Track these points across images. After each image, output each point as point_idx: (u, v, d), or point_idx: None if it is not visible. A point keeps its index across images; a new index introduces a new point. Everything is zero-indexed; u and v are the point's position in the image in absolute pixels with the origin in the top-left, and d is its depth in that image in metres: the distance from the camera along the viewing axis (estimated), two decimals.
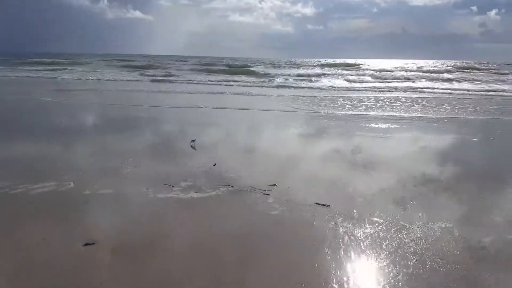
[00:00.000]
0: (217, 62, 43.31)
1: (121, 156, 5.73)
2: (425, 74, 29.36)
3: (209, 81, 22.04)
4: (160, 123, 9.14)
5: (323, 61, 59.68)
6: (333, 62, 47.87)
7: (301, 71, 31.89)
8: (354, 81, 23.65)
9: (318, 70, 33.64)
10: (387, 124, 9.18)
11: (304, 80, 23.70)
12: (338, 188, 4.62)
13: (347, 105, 12.77)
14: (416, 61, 65.87)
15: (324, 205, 4.03)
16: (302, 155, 6.31)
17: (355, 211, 3.91)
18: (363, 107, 12.35)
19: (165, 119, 9.86)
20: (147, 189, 4.41)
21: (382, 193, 4.44)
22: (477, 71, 32.51)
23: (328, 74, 27.84)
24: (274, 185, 4.59)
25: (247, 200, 4.20)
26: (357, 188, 4.58)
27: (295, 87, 19.76)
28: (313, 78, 24.48)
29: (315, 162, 5.83)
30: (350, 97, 15.67)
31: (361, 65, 41.14)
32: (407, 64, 45.82)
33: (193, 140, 6.52)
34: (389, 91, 17.94)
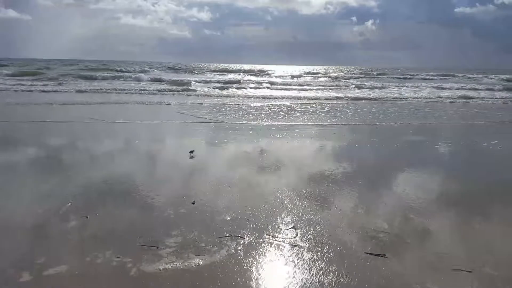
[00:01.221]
0: (104, 67, 38.85)
1: (51, 200, 3.97)
2: (328, 82, 31.34)
3: (100, 89, 18.66)
4: (60, 145, 7.21)
5: (222, 66, 59.78)
6: (234, 68, 48.14)
7: (204, 77, 30.78)
8: (258, 87, 23.20)
9: (219, 77, 32.98)
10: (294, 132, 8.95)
11: (207, 86, 22.54)
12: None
13: (254, 113, 12.28)
14: (309, 67, 71.12)
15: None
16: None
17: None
18: (264, 115, 11.90)
19: (63, 135, 8.02)
20: (119, 257, 2.91)
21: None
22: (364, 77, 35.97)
23: (232, 81, 27.12)
24: (293, 228, 3.52)
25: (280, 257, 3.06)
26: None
27: (197, 95, 18.08)
28: (216, 85, 23.54)
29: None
30: (254, 105, 15.18)
31: (264, 71, 42.20)
32: (309, 70, 48.87)
33: (192, 151, 6.19)
34: (286, 98, 17.56)
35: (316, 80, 31.84)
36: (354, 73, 41.47)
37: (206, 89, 20.59)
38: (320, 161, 6.29)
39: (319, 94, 19.51)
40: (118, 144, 7.47)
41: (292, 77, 35.09)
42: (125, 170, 5.46)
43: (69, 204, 4.00)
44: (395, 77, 35.82)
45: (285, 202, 4.18)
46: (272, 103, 15.27)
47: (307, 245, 3.21)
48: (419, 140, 8.44)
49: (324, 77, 36.52)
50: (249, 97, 17.80)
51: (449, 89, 23.75)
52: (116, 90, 18.51)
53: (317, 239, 3.31)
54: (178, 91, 19.17)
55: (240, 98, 17.23)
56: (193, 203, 4.05)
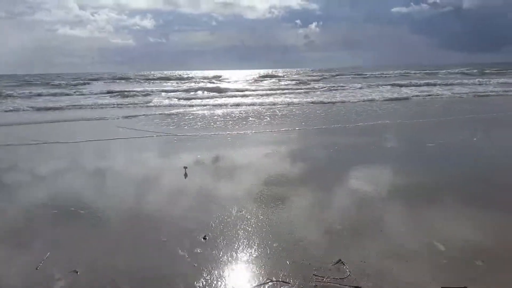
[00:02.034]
0: (42, 81, 35.77)
1: (22, 252, 3.27)
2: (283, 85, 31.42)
3: (39, 106, 16.47)
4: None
5: (174, 73, 57.98)
6: (186, 75, 46.84)
7: (157, 86, 29.44)
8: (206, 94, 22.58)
9: (175, 84, 31.89)
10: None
11: (164, 96, 21.53)
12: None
13: (200, 123, 11.76)
14: (261, 70, 71.79)
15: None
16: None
17: None
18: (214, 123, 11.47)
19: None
20: None
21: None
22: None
23: (193, 88, 26.16)
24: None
25: None
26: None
27: (153, 106, 16.75)
28: (174, 94, 22.61)
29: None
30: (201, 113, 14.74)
31: (220, 77, 41.51)
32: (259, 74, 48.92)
33: (185, 167, 5.88)
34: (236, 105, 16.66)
35: (280, 84, 31.21)
36: (316, 75, 41.64)
37: (166, 100, 19.08)
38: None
39: (293, 99, 18.97)
40: (85, 167, 6.59)
41: (255, 80, 35.03)
42: (100, 200, 4.69)
43: (48, 254, 3.23)
44: (356, 76, 36.91)
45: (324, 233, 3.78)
46: (243, 109, 14.89)
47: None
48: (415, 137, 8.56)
49: (285, 80, 36.26)
50: (214, 105, 16.97)
51: (434, 84, 25.05)
52: (53, 105, 16.68)
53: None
54: (129, 103, 17.71)
55: (206, 106, 16.47)
56: (204, 238, 3.47)
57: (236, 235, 3.62)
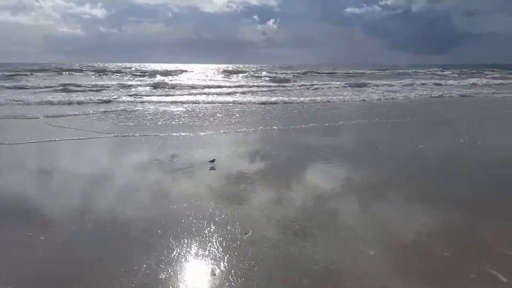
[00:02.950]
0: None
1: None
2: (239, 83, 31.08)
3: None
4: None
5: (128, 65, 55.49)
6: (142, 68, 45.00)
7: (107, 80, 28.00)
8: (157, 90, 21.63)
9: (132, 79, 30.55)
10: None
11: (103, 89, 20.54)
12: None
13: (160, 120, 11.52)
14: (220, 65, 70.92)
15: None
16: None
17: None
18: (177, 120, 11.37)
19: None
20: None
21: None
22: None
23: (158, 84, 24.91)
24: None
25: None
26: None
27: (88, 102, 15.44)
28: (134, 89, 21.65)
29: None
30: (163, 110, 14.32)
31: (178, 71, 40.20)
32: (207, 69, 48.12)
33: (212, 161, 6.22)
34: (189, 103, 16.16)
35: (252, 82, 30.57)
36: (290, 72, 41.24)
37: (125, 97, 17.39)
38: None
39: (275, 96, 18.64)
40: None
41: (225, 75, 34.35)
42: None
43: None
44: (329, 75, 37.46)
45: None
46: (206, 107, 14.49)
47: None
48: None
49: (253, 77, 35.64)
50: (173, 102, 16.26)
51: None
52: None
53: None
54: (72, 100, 16.22)
55: (165, 103, 15.82)
56: (213, 275, 3.20)
57: (195, 235, 3.79)
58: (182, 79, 31.83)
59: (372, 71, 43.91)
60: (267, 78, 32.38)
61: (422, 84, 27.47)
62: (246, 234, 3.84)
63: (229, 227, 4.00)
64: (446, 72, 41.57)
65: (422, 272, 3.19)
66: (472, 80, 30.55)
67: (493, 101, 18.08)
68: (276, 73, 39.75)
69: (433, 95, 19.73)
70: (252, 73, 39.56)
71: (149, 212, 4.39)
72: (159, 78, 30.95)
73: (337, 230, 3.96)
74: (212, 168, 6.04)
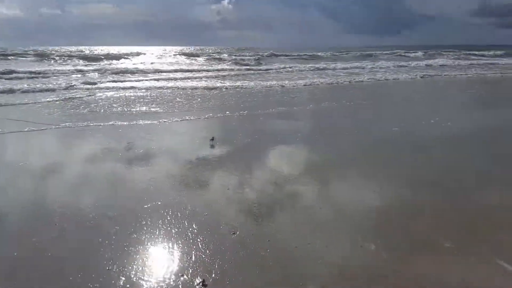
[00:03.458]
0: None
1: None
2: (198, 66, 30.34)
3: None
4: None
5: (73, 49, 52.41)
6: (93, 52, 42.71)
7: (55, 66, 26.44)
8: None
9: (83, 64, 28.99)
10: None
11: (48, 75, 19.48)
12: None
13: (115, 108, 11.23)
14: (175, 47, 68.92)
15: None
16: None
17: None
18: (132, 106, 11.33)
19: None
20: None
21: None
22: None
23: (121, 70, 23.55)
24: None
25: None
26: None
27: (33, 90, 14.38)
28: (90, 75, 20.58)
29: None
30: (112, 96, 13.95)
31: (135, 53, 38.42)
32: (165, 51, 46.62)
33: (212, 139, 6.80)
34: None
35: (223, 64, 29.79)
36: (253, 55, 40.47)
37: (75, 83, 16.50)
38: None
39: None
40: None
41: (185, 58, 33.11)
42: None
43: None
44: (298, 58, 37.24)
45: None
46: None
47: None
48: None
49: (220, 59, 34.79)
50: (126, 88, 15.69)
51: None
52: None
53: None
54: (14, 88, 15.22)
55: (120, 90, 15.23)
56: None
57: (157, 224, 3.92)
58: (136, 62, 30.73)
59: (335, 53, 44.58)
60: (229, 62, 31.94)
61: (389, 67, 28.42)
62: (206, 214, 4.09)
63: (189, 214, 4.14)
64: (413, 54, 42.55)
65: (376, 249, 3.49)
66: (440, 62, 32.12)
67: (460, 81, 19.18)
68: (239, 55, 39.25)
69: (398, 78, 20.53)
70: (215, 55, 38.76)
71: (105, 205, 4.42)
72: (109, 62, 29.70)
73: (293, 212, 4.24)
74: (212, 146, 6.64)
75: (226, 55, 39.19)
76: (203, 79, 19.46)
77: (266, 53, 40.76)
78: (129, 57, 36.06)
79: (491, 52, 43.29)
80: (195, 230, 3.81)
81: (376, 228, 3.88)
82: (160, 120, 9.07)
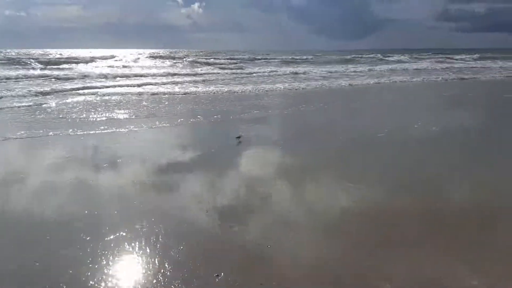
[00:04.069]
0: None
1: None
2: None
3: None
4: None
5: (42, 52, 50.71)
6: (65, 55, 41.36)
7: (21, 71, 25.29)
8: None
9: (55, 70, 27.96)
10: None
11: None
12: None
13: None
14: (143, 50, 68.04)
15: None
16: None
17: None
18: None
19: None
20: None
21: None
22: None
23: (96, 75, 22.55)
24: None
25: None
26: None
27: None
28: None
29: None
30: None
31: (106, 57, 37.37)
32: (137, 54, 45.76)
33: (239, 137, 7.23)
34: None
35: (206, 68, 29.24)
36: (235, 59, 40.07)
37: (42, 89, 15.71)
38: None
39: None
40: None
41: (160, 62, 32.32)
42: None
43: None
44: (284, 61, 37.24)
45: None
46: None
47: None
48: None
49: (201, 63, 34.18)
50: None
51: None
52: None
53: None
54: None
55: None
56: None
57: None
58: (105, 65, 30.00)
59: (311, 56, 44.82)
60: (212, 66, 31.32)
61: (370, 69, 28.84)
62: (176, 218, 4.09)
63: (159, 219, 4.17)
64: (393, 58, 43.00)
65: (349, 250, 3.62)
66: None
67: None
68: (219, 59, 38.89)
69: (370, 83, 20.79)
70: (190, 58, 38.27)
71: (72, 213, 4.40)
72: (75, 65, 28.92)
73: (264, 214, 4.36)
74: (240, 143, 7.11)
75: (204, 58, 38.88)
76: (184, 83, 19.14)
77: (246, 57, 40.75)
78: (97, 60, 35.22)
79: (467, 56, 44.55)
80: (165, 236, 3.82)
81: (346, 227, 4.04)
82: (130, 127, 8.91)
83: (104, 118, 9.90)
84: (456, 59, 41.06)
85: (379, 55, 46.06)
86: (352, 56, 44.58)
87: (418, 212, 4.34)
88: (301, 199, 4.83)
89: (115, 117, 10.14)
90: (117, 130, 8.54)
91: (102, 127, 8.77)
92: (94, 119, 9.85)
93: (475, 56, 44.30)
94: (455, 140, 8.01)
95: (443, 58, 42.24)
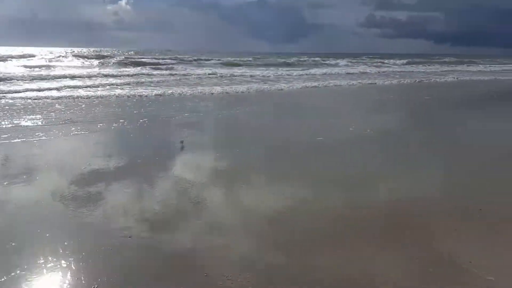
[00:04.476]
0: None
1: None
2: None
3: None
4: None
5: None
6: None
7: None
8: None
9: None
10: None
11: None
12: None
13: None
14: (59, 49, 63.69)
15: None
16: None
17: None
18: None
19: None
20: None
21: None
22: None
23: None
24: None
25: None
26: None
27: None
28: None
29: None
30: None
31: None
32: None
33: (182, 141, 7.29)
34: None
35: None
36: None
37: None
38: None
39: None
40: None
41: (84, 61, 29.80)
42: None
43: None
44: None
45: None
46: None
47: None
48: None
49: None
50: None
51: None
52: None
53: None
54: None
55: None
56: None
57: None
58: (16, 65, 27.31)
59: (251, 58, 45.07)
60: (146, 66, 29.79)
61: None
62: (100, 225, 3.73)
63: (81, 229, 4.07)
64: (334, 61, 44.39)
65: (278, 246, 3.81)
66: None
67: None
68: (152, 58, 37.37)
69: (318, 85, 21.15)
70: (120, 58, 36.25)
71: None
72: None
73: (194, 217, 4.44)
74: (183, 147, 7.10)
75: (132, 58, 37.15)
76: (108, 86, 17.86)
77: (178, 57, 39.68)
78: (7, 59, 32.05)
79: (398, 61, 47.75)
80: (86, 242, 3.82)
81: (277, 227, 4.22)
82: (39, 135, 8.05)
83: (10, 126, 8.83)
84: (387, 64, 43.77)
85: (318, 58, 47.63)
86: (289, 58, 45.54)
87: (343, 212, 4.60)
88: (235, 203, 4.90)
89: (23, 125, 9.11)
90: (25, 139, 7.63)
91: (6, 136, 7.84)
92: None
93: (404, 61, 47.51)
94: (386, 142, 8.37)
95: (377, 62, 44.83)
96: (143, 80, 20.90)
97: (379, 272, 3.35)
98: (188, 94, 15.67)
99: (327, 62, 43.37)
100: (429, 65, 43.14)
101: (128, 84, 18.84)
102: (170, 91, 16.01)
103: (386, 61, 46.64)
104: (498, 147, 7.79)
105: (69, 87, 17.07)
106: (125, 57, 38.60)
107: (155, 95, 15.05)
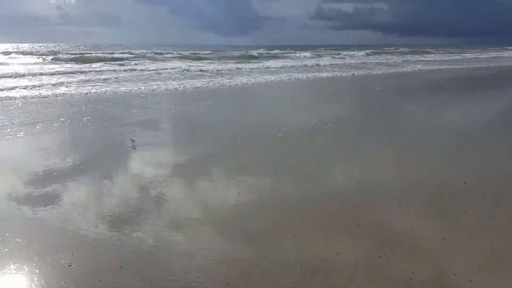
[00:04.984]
0: None
1: None
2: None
3: None
4: None
5: None
6: None
7: None
8: None
9: None
10: None
11: None
12: None
13: None
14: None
15: None
16: None
17: None
18: None
19: None
20: None
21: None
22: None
23: None
24: None
25: None
26: None
27: None
28: None
29: None
30: None
31: None
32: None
33: (133, 140, 7.23)
34: None
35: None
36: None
37: None
38: None
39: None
40: None
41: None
42: None
43: None
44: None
45: None
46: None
47: None
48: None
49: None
50: None
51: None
52: None
53: None
54: None
55: None
56: None
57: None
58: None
59: (208, 51, 44.39)
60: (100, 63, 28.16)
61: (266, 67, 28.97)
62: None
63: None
64: (296, 54, 44.26)
65: (235, 239, 3.92)
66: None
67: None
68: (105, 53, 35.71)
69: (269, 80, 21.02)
70: (66, 55, 34.19)
71: None
72: None
73: (155, 213, 4.50)
74: (133, 147, 7.02)
75: (78, 54, 35.32)
76: (51, 84, 16.74)
77: (127, 51, 38.29)
78: None
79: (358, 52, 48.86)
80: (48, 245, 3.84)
81: (234, 220, 4.35)
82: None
83: None
84: (348, 55, 44.61)
85: (277, 50, 47.61)
86: (246, 52, 45.25)
87: (299, 202, 4.81)
88: (192, 198, 5.01)
89: None
90: None
91: None
92: None
93: (363, 52, 48.63)
94: (344, 132, 8.67)
95: (339, 54, 45.48)
96: (88, 78, 19.73)
97: (342, 251, 3.63)
98: (137, 90, 15.25)
99: (286, 55, 43.41)
100: (387, 55, 44.58)
101: (76, 82, 17.87)
102: (124, 88, 15.48)
103: (345, 52, 47.57)
104: (445, 131, 8.63)
105: (7, 88, 15.71)
106: (70, 53, 36.79)
107: (105, 92, 14.55)
